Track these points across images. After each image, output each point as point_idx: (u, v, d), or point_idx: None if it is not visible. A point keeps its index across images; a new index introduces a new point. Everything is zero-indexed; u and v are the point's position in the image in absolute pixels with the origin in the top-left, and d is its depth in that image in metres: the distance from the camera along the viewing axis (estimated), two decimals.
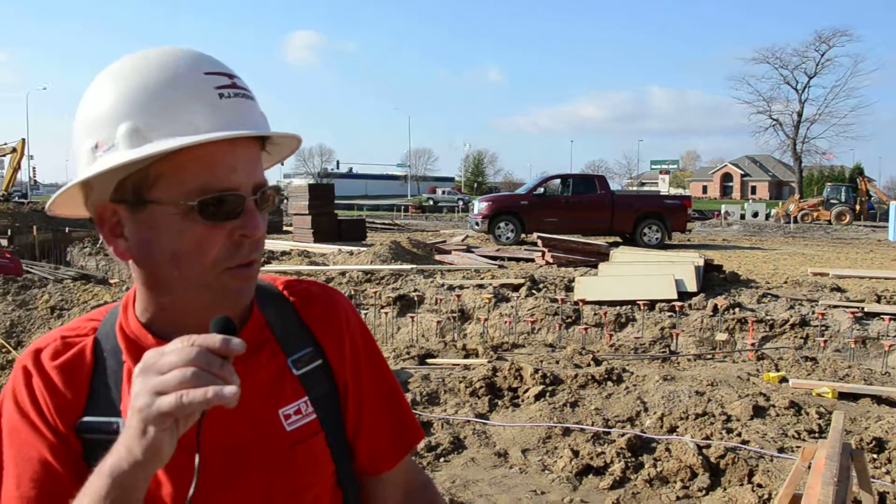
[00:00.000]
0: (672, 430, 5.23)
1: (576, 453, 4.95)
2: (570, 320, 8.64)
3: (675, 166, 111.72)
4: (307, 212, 21.44)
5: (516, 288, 10.00)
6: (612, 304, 8.93)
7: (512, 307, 8.93)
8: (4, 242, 22.02)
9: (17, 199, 46.87)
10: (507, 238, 20.86)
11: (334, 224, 21.85)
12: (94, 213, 1.05)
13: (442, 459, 5.10)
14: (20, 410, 1.04)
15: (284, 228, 27.77)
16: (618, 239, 21.46)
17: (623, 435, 5.12)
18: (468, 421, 5.60)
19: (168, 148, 0.95)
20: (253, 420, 1.09)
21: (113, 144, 0.98)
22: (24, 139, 50.09)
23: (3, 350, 7.03)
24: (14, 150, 49.77)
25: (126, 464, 0.85)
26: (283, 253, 16.66)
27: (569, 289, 9.90)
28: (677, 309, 8.52)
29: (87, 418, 1.05)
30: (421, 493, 1.35)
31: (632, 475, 4.71)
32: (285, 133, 1.06)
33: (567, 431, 5.30)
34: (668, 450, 4.88)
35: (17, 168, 51.58)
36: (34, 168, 64.96)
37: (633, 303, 8.79)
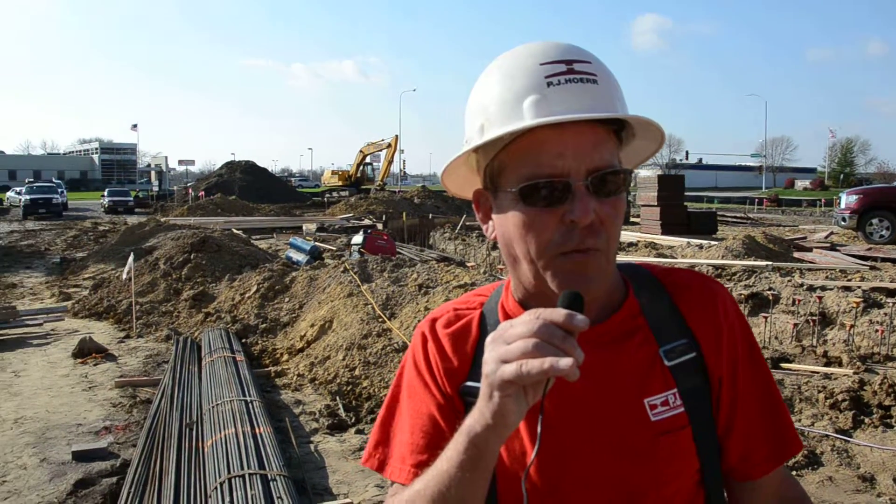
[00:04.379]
0: None
1: None
2: None
3: None
4: (656, 203, 21.15)
5: (892, 293, 8.89)
6: None
7: (885, 314, 7.93)
8: (380, 226, 24.94)
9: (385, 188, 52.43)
10: (881, 236, 18.51)
11: (683, 216, 21.29)
12: (473, 197, 1.19)
13: (794, 473, 4.74)
14: (417, 370, 1.20)
15: (632, 220, 27.68)
16: None
17: None
18: (826, 436, 5.12)
19: (476, 144, 1.05)
20: (617, 405, 1.10)
21: (470, 138, 1.09)
22: (397, 135, 56.22)
23: (380, 320, 7.98)
24: (389, 145, 56.04)
25: (479, 426, 0.93)
26: (630, 244, 16.63)
27: None
28: None
29: (469, 383, 1.16)
30: None
31: None
32: (612, 114, 1.02)
33: None
34: None
35: (390, 161, 58.09)
36: (404, 161, 72.52)
37: None
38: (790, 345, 7.75)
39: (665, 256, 13.89)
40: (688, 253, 13.89)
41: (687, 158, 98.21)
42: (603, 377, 1.10)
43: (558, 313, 0.87)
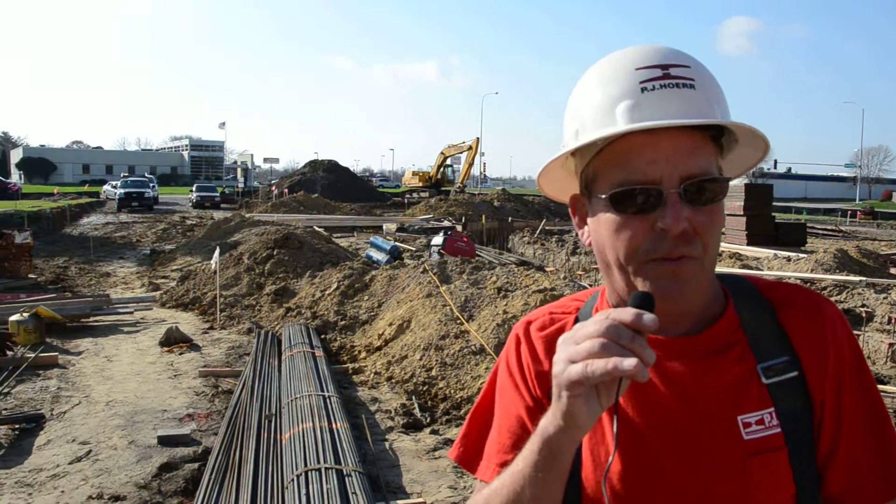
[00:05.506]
0: None
1: None
2: None
3: None
4: (742, 213, 20.60)
5: None
6: None
7: None
8: (459, 228, 25.03)
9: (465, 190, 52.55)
10: None
11: (770, 227, 20.68)
12: (569, 202, 1.19)
13: None
14: (509, 371, 1.21)
15: None
16: None
17: None
18: None
19: (570, 149, 1.05)
20: (708, 419, 1.06)
21: (566, 142, 1.09)
22: (478, 138, 56.36)
23: (458, 322, 7.99)
24: (469, 147, 56.22)
25: (552, 427, 0.92)
26: None
27: None
28: None
29: None
30: None
31: None
32: (706, 121, 0.99)
33: None
34: None
35: (471, 163, 58.26)
36: (484, 163, 72.62)
37: None
38: (884, 365, 7.42)
39: (750, 268, 13.48)
40: (775, 265, 13.46)
41: (775, 167, 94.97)
42: (695, 390, 1.07)
43: (627, 313, 0.87)
